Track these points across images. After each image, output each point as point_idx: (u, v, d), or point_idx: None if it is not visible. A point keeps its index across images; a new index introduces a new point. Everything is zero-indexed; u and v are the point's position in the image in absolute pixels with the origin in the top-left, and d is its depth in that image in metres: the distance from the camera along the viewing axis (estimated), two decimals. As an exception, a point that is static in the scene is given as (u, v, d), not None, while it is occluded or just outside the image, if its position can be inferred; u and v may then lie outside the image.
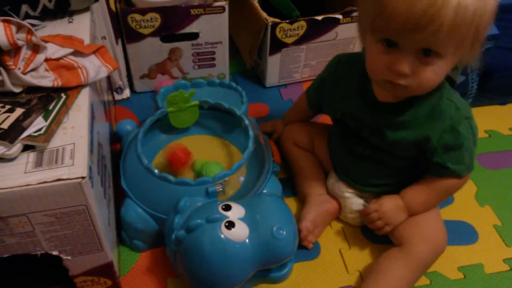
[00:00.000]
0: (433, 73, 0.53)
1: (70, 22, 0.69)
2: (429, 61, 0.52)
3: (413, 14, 0.47)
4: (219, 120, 0.82)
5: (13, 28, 0.53)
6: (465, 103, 0.62)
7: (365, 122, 0.64)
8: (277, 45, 0.93)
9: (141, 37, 0.88)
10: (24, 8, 0.66)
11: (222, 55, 0.95)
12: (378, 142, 0.64)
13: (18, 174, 0.47)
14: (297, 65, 0.99)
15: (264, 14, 0.92)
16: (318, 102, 0.74)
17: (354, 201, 0.72)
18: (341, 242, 0.73)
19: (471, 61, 0.55)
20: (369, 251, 0.72)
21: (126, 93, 0.95)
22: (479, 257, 0.72)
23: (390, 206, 0.65)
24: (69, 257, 0.55)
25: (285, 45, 0.94)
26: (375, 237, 0.71)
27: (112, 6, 0.83)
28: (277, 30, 0.90)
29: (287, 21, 0.90)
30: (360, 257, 0.71)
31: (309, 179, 0.76)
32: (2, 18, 0.53)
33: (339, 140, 0.71)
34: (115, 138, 0.82)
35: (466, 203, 0.80)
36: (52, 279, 0.63)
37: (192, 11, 0.86)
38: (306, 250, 0.71)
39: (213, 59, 0.96)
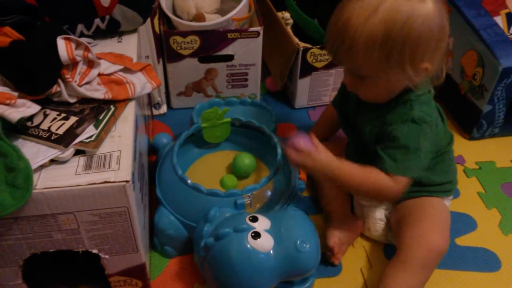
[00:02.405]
0: (367, 88, 0.64)
1: (119, 41, 0.75)
2: (361, 78, 0.63)
3: (328, 47, 0.63)
4: (249, 137, 0.86)
5: (73, 45, 0.59)
6: (428, 113, 0.64)
7: (354, 115, 0.72)
8: (307, 69, 0.98)
9: (181, 57, 0.94)
10: (80, 27, 0.73)
11: (255, 76, 1.00)
12: (360, 133, 0.70)
13: (69, 175, 0.53)
14: (326, 89, 1.03)
15: (296, 40, 0.97)
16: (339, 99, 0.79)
17: (378, 209, 0.74)
18: (363, 261, 0.75)
19: (414, 82, 0.62)
20: (390, 271, 0.73)
21: (164, 108, 1.01)
22: (501, 285, 0.72)
23: (319, 162, 0.63)
24: (107, 256, 0.59)
25: (315, 69, 0.98)
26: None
27: (156, 29, 0.90)
28: (308, 55, 0.95)
29: (318, 46, 0.95)
30: (380, 277, 0.72)
31: (334, 197, 0.78)
32: (64, 36, 0.59)
33: (348, 141, 0.78)
34: (152, 150, 0.87)
35: (489, 230, 0.80)
36: (86, 278, 0.68)
37: (229, 35, 0.92)
38: (326, 266, 0.73)
39: (246, 80, 1.01)
